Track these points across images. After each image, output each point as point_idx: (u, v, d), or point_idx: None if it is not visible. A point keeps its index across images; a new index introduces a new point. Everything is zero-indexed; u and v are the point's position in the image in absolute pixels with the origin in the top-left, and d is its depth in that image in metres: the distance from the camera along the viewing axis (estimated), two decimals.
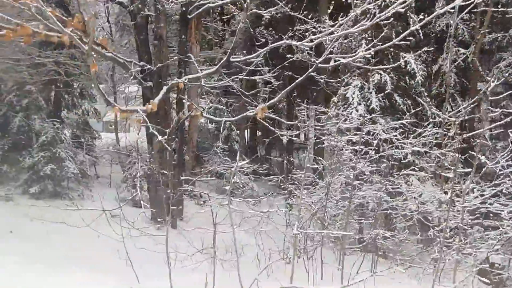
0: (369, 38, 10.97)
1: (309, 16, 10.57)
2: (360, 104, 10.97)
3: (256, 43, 12.43)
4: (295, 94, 16.83)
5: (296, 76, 7.96)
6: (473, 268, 7.34)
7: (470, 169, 6.15)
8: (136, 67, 10.41)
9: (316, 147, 10.48)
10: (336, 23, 7.31)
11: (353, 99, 11.04)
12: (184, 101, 8.19)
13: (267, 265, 6.92)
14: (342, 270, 6.61)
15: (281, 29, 17.62)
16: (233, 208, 5.76)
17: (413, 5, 6.74)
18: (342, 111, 10.84)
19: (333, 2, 16.96)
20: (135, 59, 11.23)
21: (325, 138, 9.28)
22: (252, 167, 13.31)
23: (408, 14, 9.88)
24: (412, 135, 9.23)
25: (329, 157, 11.02)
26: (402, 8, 6.69)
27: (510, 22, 14.72)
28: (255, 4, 8.89)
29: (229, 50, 7.42)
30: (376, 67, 9.99)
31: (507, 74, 13.77)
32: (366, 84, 11.42)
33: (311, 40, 6.81)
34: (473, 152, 7.20)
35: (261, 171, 14.44)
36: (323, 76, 11.50)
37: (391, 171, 9.68)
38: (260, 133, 22.97)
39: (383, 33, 7.13)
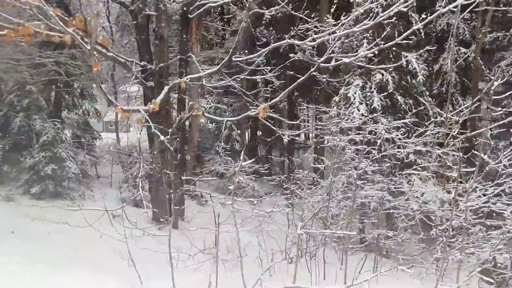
0: (370, 38, 10.96)
1: (310, 16, 10.56)
2: (361, 103, 10.95)
3: (257, 43, 12.39)
4: (297, 93, 16.82)
5: (297, 75, 7.96)
6: (476, 268, 7.32)
7: (473, 169, 6.12)
8: (138, 67, 10.39)
9: (318, 146, 10.48)
10: (338, 23, 7.30)
11: (354, 99, 11.03)
12: (187, 100, 8.16)
13: (270, 265, 6.90)
14: (345, 270, 6.59)
15: (281, 29, 17.64)
16: (237, 208, 5.73)
17: (414, 4, 6.69)
18: (344, 110, 10.82)
19: (334, 1, 16.88)
20: (135, 59, 11.23)
21: (328, 137, 9.25)
22: (254, 167, 13.29)
23: (409, 13, 9.85)
24: (414, 135, 9.20)
25: (329, 156, 11.02)
26: (405, 7, 6.70)
27: (511, 21, 14.70)
28: (256, 3, 8.88)
29: (231, 50, 7.42)
30: (378, 66, 9.96)
31: (508, 74, 13.73)
32: (367, 83, 11.39)
33: (314, 40, 6.80)
34: (476, 152, 7.17)
35: (262, 171, 14.42)
36: (324, 76, 11.48)
37: (393, 171, 9.66)
38: (260, 133, 22.98)
39: (385, 32, 7.12)
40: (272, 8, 8.25)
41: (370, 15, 6.79)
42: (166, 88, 8.63)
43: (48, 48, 13.89)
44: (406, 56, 10.57)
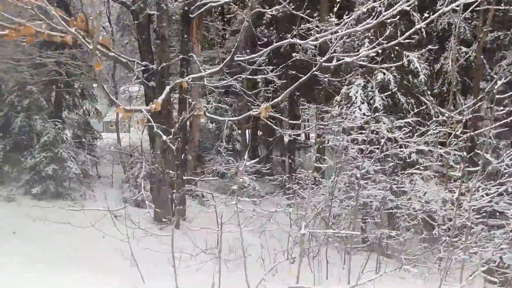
0: (371, 37, 10.94)
1: (311, 16, 10.54)
2: (363, 103, 10.93)
3: (259, 42, 12.42)
4: (298, 93, 16.79)
5: (299, 75, 7.95)
6: (479, 267, 7.30)
7: (476, 168, 6.11)
8: (139, 67, 10.37)
9: (321, 146, 10.46)
10: (340, 22, 7.28)
11: (356, 98, 11.01)
12: (190, 100, 8.14)
13: (274, 265, 6.87)
14: (349, 270, 6.57)
15: (282, 28, 17.64)
16: (241, 208, 5.70)
17: (416, 3, 6.68)
18: (346, 110, 10.80)
19: (337, 0, 16.86)
20: (136, 59, 11.21)
21: (331, 137, 9.23)
22: (256, 166, 13.27)
23: (410, 12, 9.84)
24: (416, 134, 9.18)
25: (330, 156, 11.00)
26: (408, 6, 6.69)
27: None
28: (257, 2, 8.84)
29: (231, 49, 7.40)
30: (379, 65, 9.94)
31: (510, 73, 13.72)
32: (369, 83, 11.37)
33: (316, 39, 6.78)
34: (478, 151, 7.16)
35: (264, 171, 14.39)
36: (327, 75, 11.46)
37: (395, 170, 9.64)
38: (261, 132, 22.95)
39: (387, 32, 7.10)
40: (274, 8, 8.22)
41: (373, 14, 6.77)
42: (167, 88, 8.62)
43: (49, 48, 13.89)
44: (408, 56, 10.54)
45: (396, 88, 11.03)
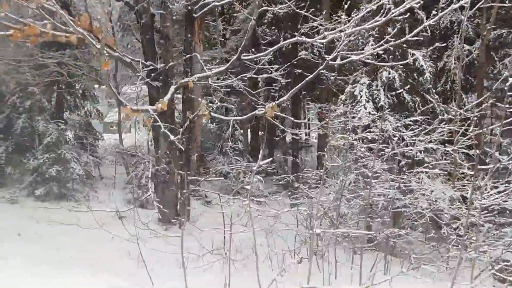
0: (376, 35, 10.90)
1: (312, 15, 10.50)
2: (368, 101, 10.88)
3: (262, 42, 12.37)
4: (304, 92, 16.74)
5: (303, 74, 7.91)
6: (489, 266, 7.26)
7: (489, 166, 6.06)
8: (144, 67, 10.32)
9: (329, 145, 10.37)
10: (347, 19, 7.22)
11: (361, 97, 10.95)
12: (198, 99, 8.07)
13: (285, 266, 6.82)
14: (360, 270, 6.52)
15: (284, 28, 17.60)
16: (254, 208, 5.65)
17: (422, 1, 6.62)
18: (351, 108, 10.76)
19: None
20: (139, 59, 11.15)
21: (338, 136, 9.17)
22: (262, 166, 13.18)
23: (415, 10, 9.80)
24: (423, 132, 9.13)
25: (332, 156, 10.93)
26: (417, 3, 6.63)
27: None
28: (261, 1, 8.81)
29: (234, 49, 7.37)
30: (384, 63, 9.89)
31: None
32: (374, 81, 11.32)
33: (324, 37, 6.71)
34: (488, 149, 7.12)
35: (269, 171, 14.34)
36: (333, 74, 11.42)
37: (403, 169, 9.60)
38: (262, 132, 22.87)
39: (396, 29, 7.05)
40: (279, 6, 8.15)
41: (381, 11, 6.70)
42: (172, 88, 8.52)
43: (50, 49, 13.83)
44: (413, 54, 10.50)
45: (401, 86, 10.98)
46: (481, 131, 8.12)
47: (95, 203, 12.64)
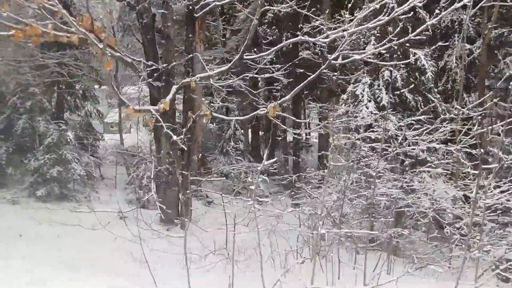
0: (378, 34, 10.88)
1: (313, 14, 10.49)
2: (370, 101, 10.86)
3: (263, 41, 12.35)
4: (306, 92, 16.72)
5: (307, 73, 7.89)
6: (492, 266, 7.24)
7: (493, 165, 6.04)
8: (146, 68, 10.29)
9: (333, 144, 10.33)
10: (347, 19, 7.21)
11: (363, 96, 10.94)
12: (201, 99, 8.07)
13: (290, 266, 6.80)
14: (364, 270, 6.50)
15: (284, 27, 17.60)
16: (258, 208, 5.63)
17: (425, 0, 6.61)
18: (352, 108, 10.74)
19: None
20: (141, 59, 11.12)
21: (341, 136, 9.15)
22: (264, 166, 13.14)
23: (417, 9, 9.78)
24: (425, 132, 9.10)
25: (335, 155, 10.90)
26: (420, 1, 6.61)
27: None
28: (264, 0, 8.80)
29: (235, 49, 7.35)
30: (386, 63, 9.88)
31: None
32: (376, 81, 11.31)
33: (327, 36, 6.70)
34: (491, 148, 7.09)
35: (272, 170, 14.31)
36: (335, 73, 11.40)
37: (406, 168, 9.57)
38: (262, 132, 22.85)
39: (398, 28, 7.03)
40: (282, 6, 8.13)
41: (384, 10, 6.69)
42: (174, 88, 8.53)
43: (50, 50, 13.81)
44: (415, 53, 10.48)
45: (403, 86, 10.96)
46: (484, 130, 8.08)
47: (96, 203, 12.63)
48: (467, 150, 9.17)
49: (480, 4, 8.57)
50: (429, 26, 8.55)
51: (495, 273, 6.36)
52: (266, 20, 17.61)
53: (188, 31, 11.68)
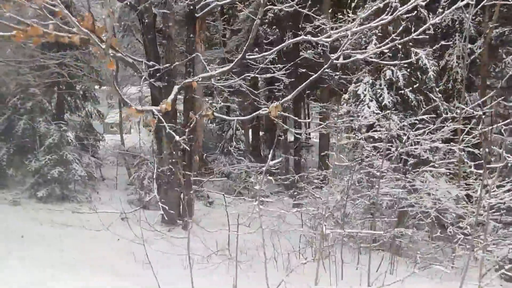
0: (379, 34, 10.86)
1: (313, 14, 10.47)
2: (371, 100, 10.84)
3: (264, 41, 12.32)
4: (308, 92, 16.69)
5: (308, 73, 7.87)
6: (495, 265, 7.22)
7: (497, 165, 6.02)
8: (147, 68, 10.26)
9: (338, 144, 10.36)
10: (350, 18, 7.20)
11: (364, 96, 10.91)
12: (203, 99, 8.05)
13: (295, 266, 6.79)
14: (369, 270, 6.47)
15: (284, 27, 17.57)
16: (263, 208, 5.60)
17: None
18: (354, 108, 10.72)
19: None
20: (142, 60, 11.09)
21: (343, 135, 9.13)
22: (265, 166, 13.13)
23: (418, 9, 9.76)
24: (427, 131, 9.08)
25: (337, 155, 10.89)
26: (423, 1, 6.58)
27: None
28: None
29: (235, 48, 7.33)
30: (387, 62, 9.85)
31: None
32: (377, 80, 11.28)
33: (330, 36, 6.66)
34: (493, 147, 7.07)
35: (273, 170, 14.29)
36: (337, 73, 11.37)
37: (409, 168, 9.55)
38: (263, 132, 22.84)
39: (401, 27, 7.00)
40: (284, 5, 8.10)
41: (387, 10, 6.65)
42: (176, 88, 8.47)
43: (51, 50, 13.78)
44: (417, 53, 10.46)
45: (404, 85, 10.93)
46: (486, 129, 8.06)
47: (97, 204, 12.61)
48: (469, 149, 9.14)
49: (481, 4, 8.55)
50: (430, 26, 8.54)
51: (499, 273, 6.32)
52: (266, 20, 17.59)
53: (188, 31, 11.65)
